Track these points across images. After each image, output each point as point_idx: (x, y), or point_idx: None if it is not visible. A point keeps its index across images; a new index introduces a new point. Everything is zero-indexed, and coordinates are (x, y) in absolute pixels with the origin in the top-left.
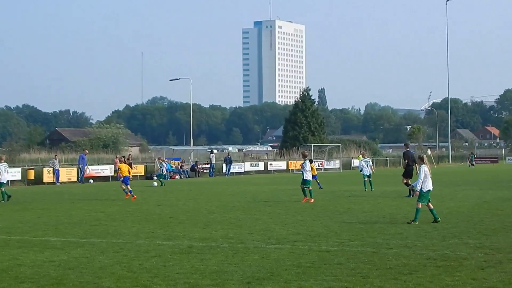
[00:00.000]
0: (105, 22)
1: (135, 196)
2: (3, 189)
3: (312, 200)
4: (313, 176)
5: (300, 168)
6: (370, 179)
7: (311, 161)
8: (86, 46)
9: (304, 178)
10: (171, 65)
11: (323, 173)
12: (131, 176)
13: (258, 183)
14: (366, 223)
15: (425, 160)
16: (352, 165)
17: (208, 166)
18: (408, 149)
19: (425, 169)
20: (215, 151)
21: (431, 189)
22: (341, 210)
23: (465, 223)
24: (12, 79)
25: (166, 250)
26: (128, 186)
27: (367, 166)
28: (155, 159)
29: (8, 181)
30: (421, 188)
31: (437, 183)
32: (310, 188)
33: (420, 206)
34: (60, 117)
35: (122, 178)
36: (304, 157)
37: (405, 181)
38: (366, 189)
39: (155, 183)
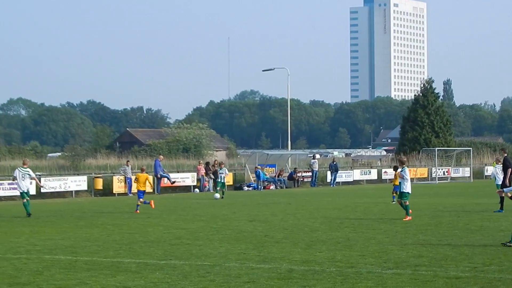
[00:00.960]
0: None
1: (137, 211)
2: (24, 200)
3: (409, 217)
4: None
5: (399, 177)
6: None
7: (394, 169)
8: (160, 31)
9: (402, 190)
10: (264, 53)
11: (450, 182)
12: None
13: (370, 195)
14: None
15: None
16: (486, 173)
17: (310, 174)
18: (506, 154)
19: None
20: (317, 156)
21: None
22: (472, 229)
23: None
24: (75, 72)
25: (261, 274)
26: (141, 199)
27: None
28: (245, 166)
29: (72, 191)
30: None
31: None
32: (407, 202)
33: None
34: (131, 116)
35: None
36: (402, 164)
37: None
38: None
39: (217, 195)
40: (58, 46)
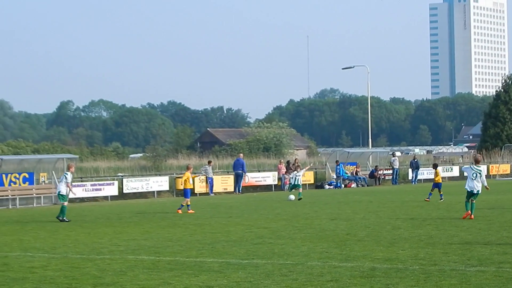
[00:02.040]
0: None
1: (191, 211)
2: (64, 203)
3: (470, 215)
4: (437, 185)
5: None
6: None
7: (435, 166)
8: (240, 30)
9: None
10: (343, 51)
11: None
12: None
13: (452, 192)
14: None
15: None
16: None
17: (391, 171)
18: None
19: None
20: (398, 153)
21: None
22: None
23: None
24: (156, 73)
25: (343, 273)
26: (188, 200)
27: None
28: (326, 165)
29: (154, 191)
30: None
31: None
32: (474, 201)
33: None
34: (212, 116)
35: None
36: (477, 162)
37: None
38: None
39: (292, 196)
40: (138, 48)
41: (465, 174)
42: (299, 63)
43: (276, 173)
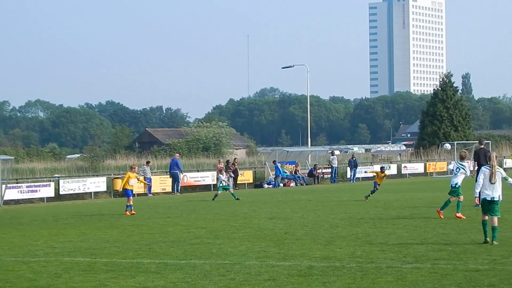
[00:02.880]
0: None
1: (133, 212)
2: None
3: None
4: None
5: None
6: None
7: (382, 170)
8: (179, 29)
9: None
10: (283, 50)
11: (470, 176)
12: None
13: (390, 190)
14: None
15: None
16: (505, 166)
17: (329, 170)
18: (482, 146)
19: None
20: (337, 152)
21: None
22: None
23: None
24: (93, 72)
25: (281, 272)
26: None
27: None
28: (265, 164)
29: (91, 192)
30: None
31: None
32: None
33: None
34: (151, 116)
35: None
36: (462, 158)
37: None
38: None
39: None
40: (75, 47)
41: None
42: (239, 62)
43: (215, 172)
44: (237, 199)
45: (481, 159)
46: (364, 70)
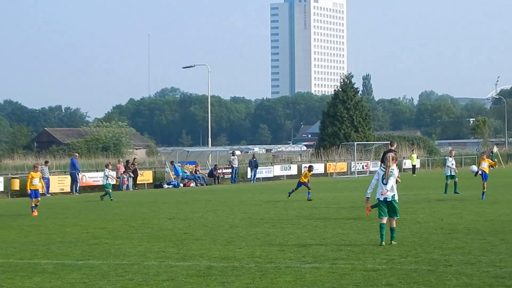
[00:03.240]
0: None
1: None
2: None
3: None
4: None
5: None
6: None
7: (310, 169)
8: (78, 27)
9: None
10: (185, 50)
11: (369, 176)
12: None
13: (290, 190)
14: (421, 236)
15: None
16: (404, 166)
17: (230, 170)
18: (392, 147)
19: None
20: (238, 152)
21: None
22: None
23: None
24: None
25: (180, 272)
26: (32, 201)
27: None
28: (165, 164)
29: None
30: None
31: (505, 186)
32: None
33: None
34: (49, 115)
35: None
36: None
37: None
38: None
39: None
40: None
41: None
42: (139, 62)
43: (114, 173)
44: (111, 199)
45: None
46: (265, 71)
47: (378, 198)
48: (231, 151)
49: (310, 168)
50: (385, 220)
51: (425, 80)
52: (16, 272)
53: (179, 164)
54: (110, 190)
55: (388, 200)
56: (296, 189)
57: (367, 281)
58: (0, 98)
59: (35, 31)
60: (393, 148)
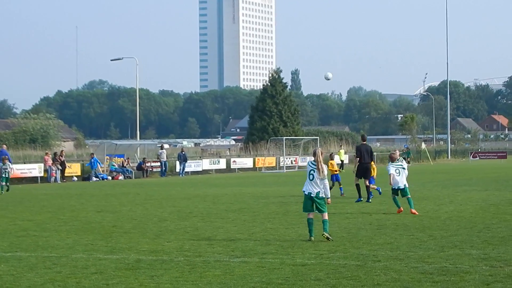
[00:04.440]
0: None
1: None
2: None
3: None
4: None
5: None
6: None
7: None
8: (4, 18)
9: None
10: (112, 42)
11: (297, 171)
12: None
13: (219, 184)
14: (349, 232)
15: None
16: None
17: (159, 164)
18: (364, 142)
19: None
20: (166, 145)
21: None
22: (319, 216)
23: (467, 230)
24: None
25: (108, 265)
26: None
27: None
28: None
29: None
30: None
31: (433, 183)
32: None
33: None
34: None
35: None
36: (393, 160)
37: (357, 181)
38: None
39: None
40: None
41: (390, 172)
42: (67, 53)
43: (42, 164)
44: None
45: (364, 155)
46: (194, 64)
47: (310, 193)
48: (160, 145)
49: (332, 156)
50: (312, 214)
51: (353, 75)
52: None
53: (107, 157)
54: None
55: (312, 195)
56: (333, 185)
57: (296, 275)
58: None
59: None
60: (365, 142)
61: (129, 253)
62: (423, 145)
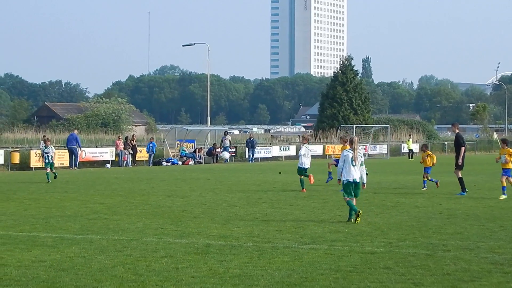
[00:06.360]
0: None
1: None
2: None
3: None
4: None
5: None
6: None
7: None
8: (79, 4)
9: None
10: (184, 28)
11: (367, 159)
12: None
13: (288, 171)
14: (419, 221)
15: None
16: (403, 151)
17: (234, 150)
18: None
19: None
20: (236, 132)
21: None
22: (388, 205)
23: None
24: None
25: (178, 249)
26: None
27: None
28: (164, 141)
29: None
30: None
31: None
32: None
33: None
34: (49, 90)
35: None
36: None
37: (460, 174)
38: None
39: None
40: None
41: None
42: (139, 39)
43: (114, 148)
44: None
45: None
46: (265, 51)
47: (348, 180)
48: (224, 131)
49: (424, 148)
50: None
51: (425, 64)
52: (15, 244)
53: (178, 142)
54: (53, 171)
55: (357, 181)
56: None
57: (365, 263)
58: (1, 71)
59: (36, 5)
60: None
61: (199, 237)
62: (495, 135)
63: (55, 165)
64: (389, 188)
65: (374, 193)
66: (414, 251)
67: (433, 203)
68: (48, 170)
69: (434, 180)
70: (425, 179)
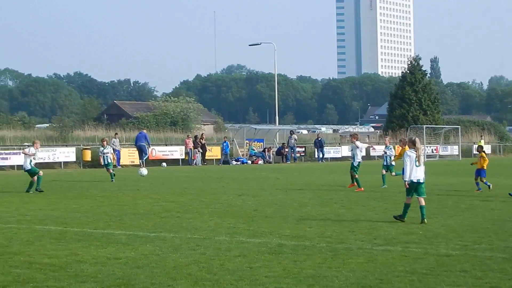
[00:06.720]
0: None
1: None
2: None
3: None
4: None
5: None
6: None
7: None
8: (147, 3)
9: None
10: (251, 27)
11: (438, 160)
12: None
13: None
14: (495, 223)
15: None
16: (474, 152)
17: (301, 149)
18: None
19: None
20: (304, 131)
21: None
22: (462, 207)
23: None
24: (62, 42)
25: (251, 249)
26: None
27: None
28: (233, 141)
29: (61, 162)
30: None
31: None
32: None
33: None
34: (118, 88)
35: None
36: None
37: None
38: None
39: (144, 171)
40: (45, 16)
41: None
42: (206, 38)
43: (183, 147)
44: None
45: None
46: (332, 51)
47: (412, 180)
48: (290, 131)
49: (478, 149)
50: (411, 199)
51: (495, 64)
52: (90, 241)
53: (247, 141)
54: (111, 170)
55: (420, 181)
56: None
57: (441, 266)
58: (71, 70)
59: (104, 6)
60: None
61: (271, 237)
62: None
63: (125, 164)
64: (462, 190)
65: (447, 195)
66: (491, 255)
67: (509, 206)
68: (111, 170)
69: (487, 183)
70: (478, 181)
